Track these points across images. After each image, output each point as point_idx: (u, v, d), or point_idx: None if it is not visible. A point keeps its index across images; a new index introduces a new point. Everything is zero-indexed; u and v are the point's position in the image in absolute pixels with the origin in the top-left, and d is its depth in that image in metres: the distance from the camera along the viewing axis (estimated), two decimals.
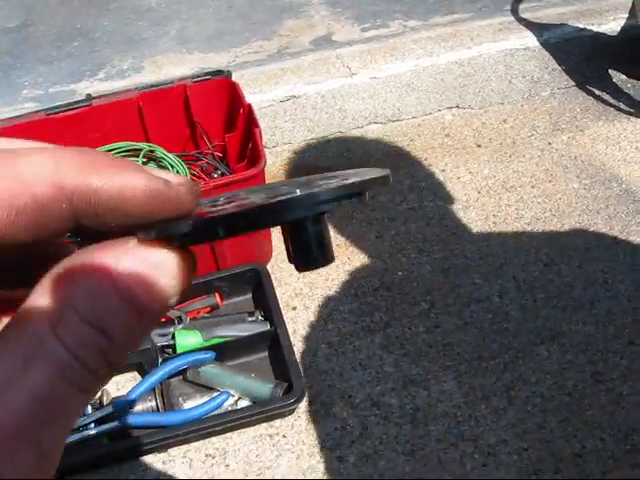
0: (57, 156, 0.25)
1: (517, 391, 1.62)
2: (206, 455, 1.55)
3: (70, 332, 0.24)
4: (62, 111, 2.01)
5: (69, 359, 0.24)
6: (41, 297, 0.24)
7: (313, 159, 2.33)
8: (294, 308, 1.84)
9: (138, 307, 0.25)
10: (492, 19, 2.98)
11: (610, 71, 2.68)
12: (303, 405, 1.61)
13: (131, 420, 1.53)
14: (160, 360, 1.64)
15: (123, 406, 1.54)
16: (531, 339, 1.73)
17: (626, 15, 2.85)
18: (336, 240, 2.00)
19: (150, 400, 1.58)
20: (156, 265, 0.26)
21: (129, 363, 1.68)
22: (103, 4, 3.56)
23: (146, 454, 1.54)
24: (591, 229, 2.01)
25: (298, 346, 1.73)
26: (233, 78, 2.10)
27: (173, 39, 3.22)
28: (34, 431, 0.23)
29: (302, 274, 1.91)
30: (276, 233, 1.98)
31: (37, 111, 2.04)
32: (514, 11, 3.04)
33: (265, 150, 2.26)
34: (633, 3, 2.72)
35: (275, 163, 2.32)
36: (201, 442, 1.56)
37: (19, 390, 0.23)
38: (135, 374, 1.71)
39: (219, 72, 2.12)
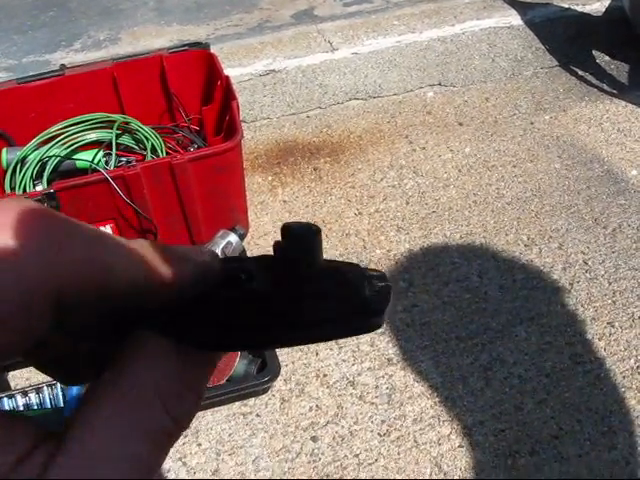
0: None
1: (495, 372, 1.60)
2: None
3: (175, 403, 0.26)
4: (34, 80, 1.95)
5: (172, 426, 0.26)
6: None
7: (292, 135, 2.29)
8: None
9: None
10: None
11: (594, 52, 2.66)
12: (278, 384, 1.58)
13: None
14: None
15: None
16: (510, 319, 1.71)
17: None
18: (314, 217, 1.96)
19: None
20: None
21: None
22: None
23: None
24: (572, 210, 1.99)
25: None
26: (212, 51, 2.04)
27: (151, 10, 3.16)
28: None
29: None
30: (252, 209, 1.94)
31: (8, 80, 1.98)
32: None
33: (243, 125, 2.22)
34: None
35: (253, 138, 2.28)
36: None
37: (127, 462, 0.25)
38: None
39: (197, 44, 2.07)
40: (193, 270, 0.28)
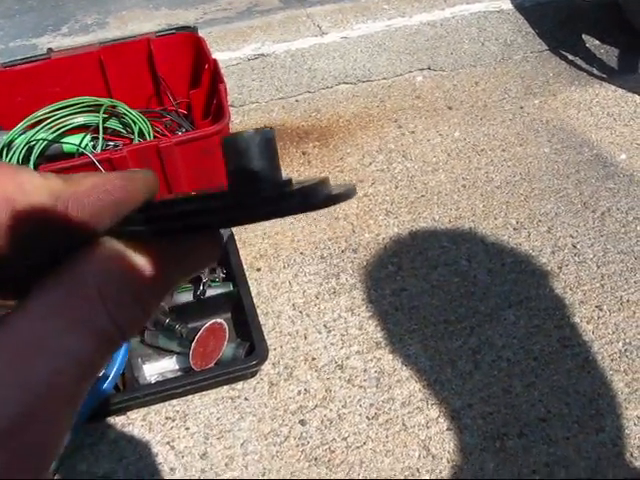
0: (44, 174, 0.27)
1: (483, 355, 1.60)
2: (166, 418, 1.51)
3: (115, 305, 0.26)
4: (20, 64, 1.94)
5: (114, 331, 0.26)
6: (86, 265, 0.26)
7: (281, 119, 2.28)
8: (258, 269, 1.80)
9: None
10: None
11: (584, 36, 2.65)
12: (266, 368, 1.58)
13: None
14: None
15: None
16: (498, 303, 1.71)
17: None
18: None
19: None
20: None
21: None
22: None
23: (105, 417, 1.50)
24: (561, 194, 1.99)
25: (262, 308, 1.69)
26: (201, 35, 2.03)
27: None
28: (75, 391, 0.25)
29: (267, 236, 1.87)
30: None
31: None
32: None
33: (232, 109, 2.21)
34: None
35: (242, 122, 2.26)
36: (161, 405, 1.52)
37: (64, 356, 0.24)
38: None
39: (185, 28, 2.05)
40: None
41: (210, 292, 1.65)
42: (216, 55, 2.02)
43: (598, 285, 1.75)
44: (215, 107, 1.79)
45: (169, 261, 0.28)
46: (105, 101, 1.96)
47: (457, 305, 1.70)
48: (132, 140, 1.86)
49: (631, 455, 1.44)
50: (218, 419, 1.50)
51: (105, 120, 1.92)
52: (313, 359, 1.60)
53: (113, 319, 0.25)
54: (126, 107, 1.95)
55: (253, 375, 1.56)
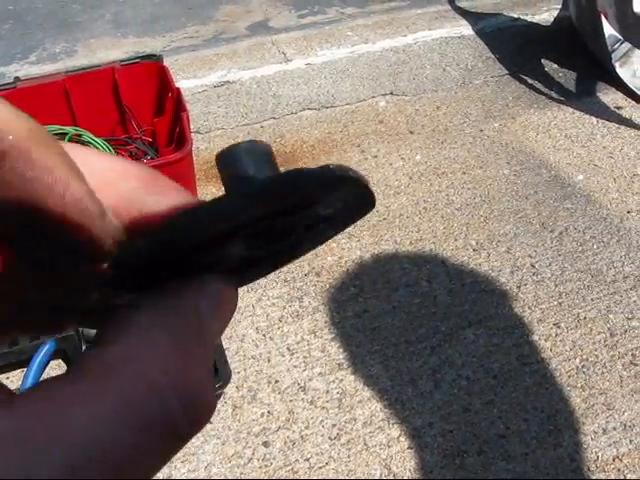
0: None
1: (443, 374, 1.63)
2: None
3: None
4: None
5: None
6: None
7: None
8: None
9: None
10: (429, 7, 3.00)
11: (543, 60, 2.72)
12: (230, 391, 1.60)
13: None
14: (84, 347, 1.61)
15: None
16: (458, 323, 1.74)
17: (559, 6, 2.90)
18: None
19: None
20: None
21: (53, 350, 1.64)
22: None
23: None
24: (520, 214, 2.03)
25: (226, 331, 1.71)
26: (167, 63, 2.07)
27: (108, 22, 3.16)
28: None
29: None
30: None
31: None
32: (450, 0, 3.07)
33: (198, 135, 2.24)
34: None
35: (208, 148, 2.30)
36: None
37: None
38: (59, 362, 1.67)
39: (151, 56, 2.09)
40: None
41: None
42: (182, 82, 2.06)
43: (556, 303, 1.79)
44: (178, 135, 1.83)
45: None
46: (70, 129, 1.99)
47: (418, 325, 1.74)
48: None
49: (588, 469, 1.47)
50: None
51: None
52: (276, 381, 1.62)
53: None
54: (91, 135, 1.97)
55: (217, 398, 1.58)
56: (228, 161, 0.25)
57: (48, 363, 1.67)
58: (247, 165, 0.24)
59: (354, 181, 0.24)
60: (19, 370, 1.60)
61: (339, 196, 0.25)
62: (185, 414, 0.20)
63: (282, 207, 0.23)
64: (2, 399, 0.19)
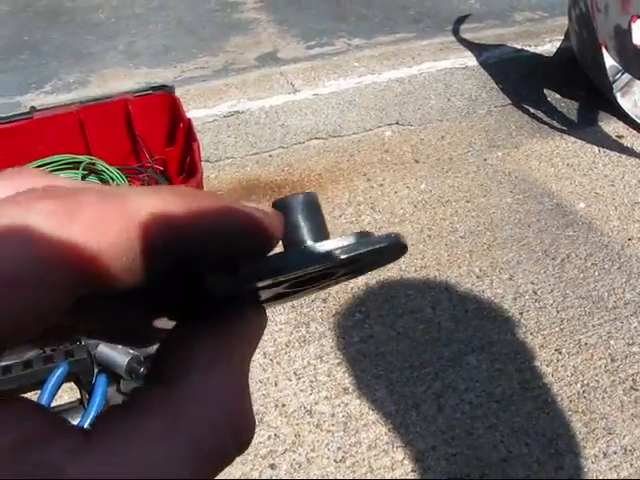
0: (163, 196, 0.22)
1: (447, 399, 1.67)
2: None
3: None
4: (3, 123, 2.02)
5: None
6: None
7: (255, 174, 2.37)
8: None
9: None
10: (434, 39, 3.07)
11: (545, 90, 2.77)
12: None
13: None
14: (96, 370, 1.65)
15: None
16: (462, 348, 1.78)
17: (562, 37, 2.96)
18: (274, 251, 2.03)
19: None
20: None
21: (66, 373, 1.68)
22: (53, 17, 3.57)
23: None
24: (522, 242, 2.08)
25: None
26: (179, 93, 2.13)
27: (121, 53, 3.24)
28: None
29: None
30: None
31: None
32: (455, 31, 3.13)
33: (208, 164, 2.30)
34: (568, 26, 2.83)
35: (217, 177, 2.35)
36: None
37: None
38: (71, 384, 1.71)
39: (162, 87, 2.15)
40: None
41: None
42: (193, 112, 2.12)
43: (557, 329, 1.83)
44: (189, 164, 1.88)
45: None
46: (84, 158, 2.05)
47: (422, 351, 1.77)
48: None
49: None
50: None
51: (84, 177, 2.00)
52: (283, 405, 1.66)
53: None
54: (104, 164, 2.03)
55: None
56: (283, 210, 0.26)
57: (61, 386, 1.71)
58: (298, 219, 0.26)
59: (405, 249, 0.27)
60: (32, 392, 1.64)
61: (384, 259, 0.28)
62: (236, 446, 0.23)
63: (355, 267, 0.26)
64: (78, 439, 0.20)
